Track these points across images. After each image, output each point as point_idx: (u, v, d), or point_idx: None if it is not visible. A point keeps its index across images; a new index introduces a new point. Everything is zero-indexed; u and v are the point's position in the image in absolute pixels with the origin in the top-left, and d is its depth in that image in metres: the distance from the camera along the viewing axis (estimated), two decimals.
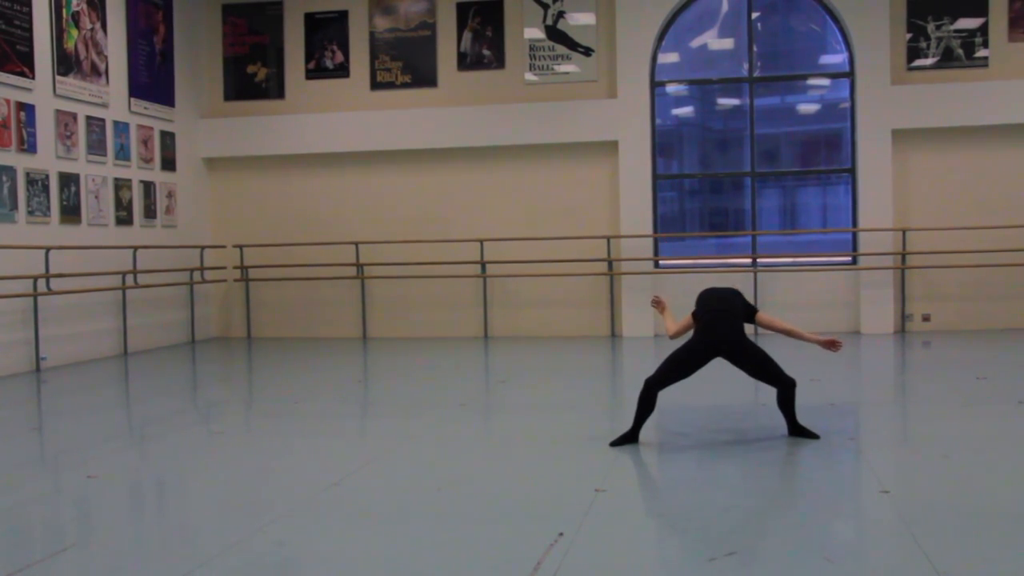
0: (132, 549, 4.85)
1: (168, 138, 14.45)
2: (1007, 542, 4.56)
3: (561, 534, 4.69)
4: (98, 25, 12.89)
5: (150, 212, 13.96)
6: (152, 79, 14.05)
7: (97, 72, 12.85)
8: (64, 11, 12.22)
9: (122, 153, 13.35)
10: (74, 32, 12.42)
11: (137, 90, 13.69)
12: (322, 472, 6.16)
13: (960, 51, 13.72)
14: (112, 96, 13.17)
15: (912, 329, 13.91)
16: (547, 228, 14.44)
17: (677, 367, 6.70)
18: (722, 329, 6.69)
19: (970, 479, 5.76)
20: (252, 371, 12.24)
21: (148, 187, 13.92)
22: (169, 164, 14.47)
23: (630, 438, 6.63)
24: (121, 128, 13.34)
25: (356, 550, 4.68)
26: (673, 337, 7.17)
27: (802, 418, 6.87)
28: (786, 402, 6.73)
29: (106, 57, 13.04)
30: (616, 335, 14.28)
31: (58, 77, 12.12)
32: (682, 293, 14.07)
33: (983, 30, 13.67)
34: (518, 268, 14.54)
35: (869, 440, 7.22)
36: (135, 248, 13.25)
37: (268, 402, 9.74)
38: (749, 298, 13.90)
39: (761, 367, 6.71)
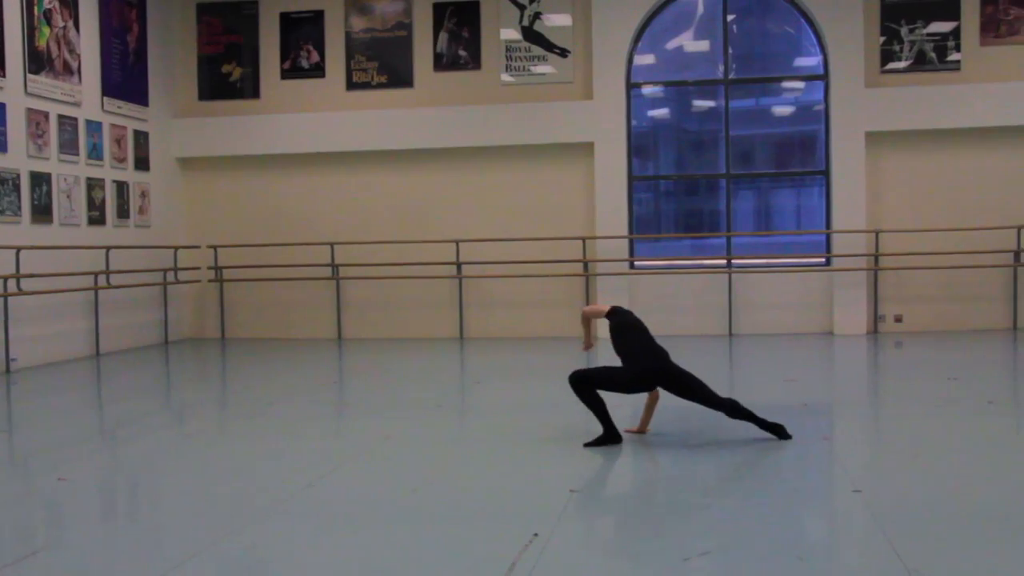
0: (103, 552, 4.81)
1: (141, 137, 14.36)
2: (977, 540, 4.60)
3: (536, 535, 4.69)
4: (70, 23, 12.79)
5: (123, 212, 13.86)
6: (125, 78, 13.96)
7: (69, 70, 12.75)
8: (35, 8, 12.11)
9: (95, 152, 13.26)
10: (46, 30, 12.32)
11: (110, 89, 13.59)
12: (296, 474, 6.13)
13: (933, 55, 13.83)
14: (85, 95, 13.07)
15: (884, 330, 14.00)
16: (523, 229, 14.44)
17: (616, 386, 6.69)
18: (663, 360, 6.66)
19: (941, 478, 5.80)
20: (226, 372, 12.18)
21: (121, 187, 13.83)
22: (143, 164, 14.38)
23: (609, 438, 6.63)
24: (94, 127, 13.24)
25: (330, 552, 4.66)
26: (588, 314, 7.22)
27: (776, 418, 6.88)
28: (743, 418, 6.71)
29: (79, 55, 12.94)
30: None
31: (29, 75, 12.01)
32: (657, 294, 14.21)
33: (955, 34, 13.78)
34: (494, 269, 14.53)
35: (842, 440, 7.26)
36: (107, 248, 13.15)
37: (242, 403, 9.69)
38: (720, 299, 14.04)
39: (698, 393, 6.68)
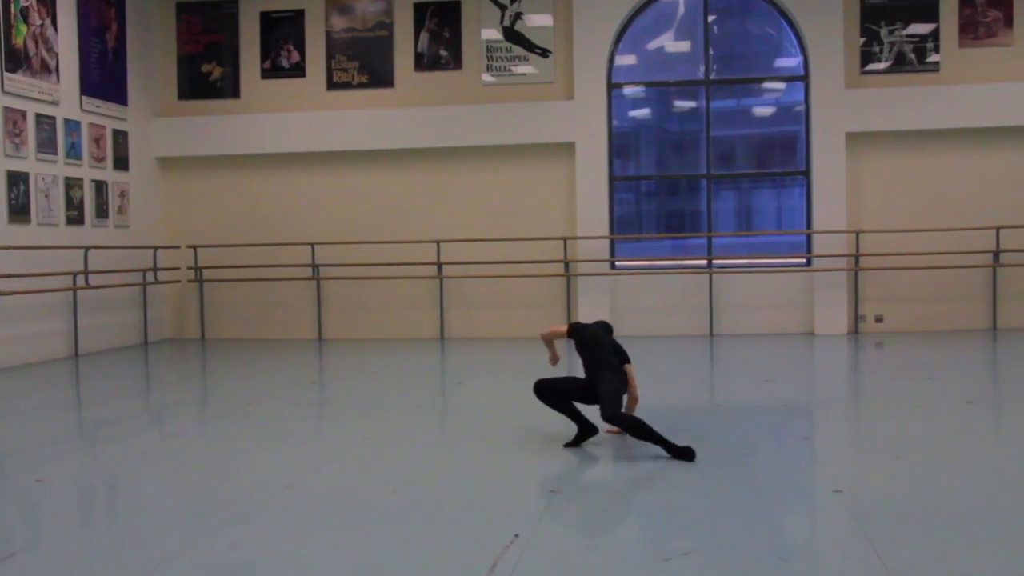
0: (82, 554, 4.78)
1: (121, 137, 14.28)
2: (958, 541, 4.61)
3: (517, 535, 4.68)
4: (48, 21, 12.70)
5: (102, 212, 13.78)
6: (104, 77, 13.88)
7: (47, 69, 12.66)
8: (12, 6, 12.02)
9: (73, 152, 13.17)
10: (23, 28, 12.23)
11: (89, 88, 13.51)
12: (277, 474, 6.10)
13: (912, 56, 13.90)
14: (63, 94, 12.98)
15: (865, 330, 14.06)
16: (504, 229, 14.43)
17: (578, 397, 6.71)
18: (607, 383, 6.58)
19: (921, 478, 5.82)
20: (206, 373, 12.12)
21: (100, 186, 13.74)
22: (122, 163, 14.29)
23: (585, 434, 6.63)
24: (72, 126, 13.16)
25: (311, 553, 4.63)
26: (545, 337, 7.15)
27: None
28: (643, 436, 6.35)
29: (56, 54, 12.86)
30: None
31: (6, 74, 11.93)
32: (638, 294, 14.22)
33: (934, 35, 13.86)
34: (475, 269, 14.52)
35: (823, 440, 7.28)
36: (86, 248, 13.06)
37: (222, 404, 9.65)
38: (701, 300, 14.06)
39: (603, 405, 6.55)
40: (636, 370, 6.92)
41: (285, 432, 7.82)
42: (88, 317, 13.26)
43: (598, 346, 6.77)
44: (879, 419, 8.09)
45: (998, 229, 13.67)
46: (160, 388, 11.16)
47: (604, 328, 7.04)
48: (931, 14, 13.86)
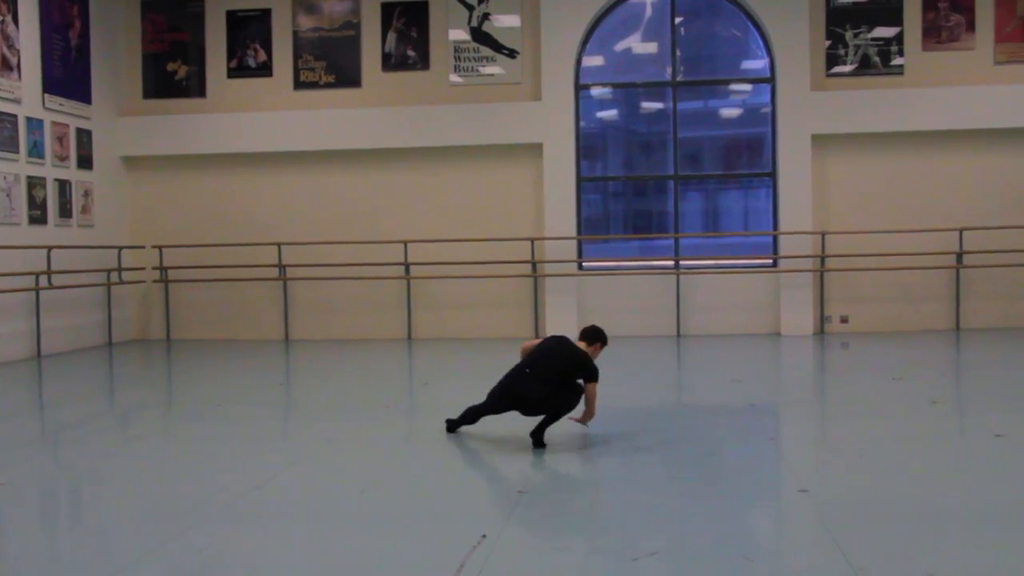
0: (45, 558, 4.73)
1: (85, 135, 14.13)
2: (922, 539, 4.65)
3: (484, 536, 4.68)
4: (9, 17, 12.55)
5: (65, 211, 13.64)
6: (67, 75, 13.73)
7: (8, 66, 12.51)
8: None
9: (36, 150, 13.02)
10: None
11: (51, 86, 13.36)
12: (244, 475, 6.07)
13: (877, 59, 14.02)
14: (25, 91, 12.83)
15: (831, 330, 14.16)
16: (471, 230, 14.42)
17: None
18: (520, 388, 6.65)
19: (886, 477, 5.87)
20: (171, 374, 12.02)
21: (63, 185, 13.60)
22: (86, 162, 14.15)
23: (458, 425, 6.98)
24: (34, 124, 13.01)
25: (278, 554, 4.61)
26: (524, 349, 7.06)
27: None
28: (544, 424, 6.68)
29: (18, 51, 12.70)
30: (540, 337, 14.29)
31: None
32: (605, 295, 14.25)
33: (899, 39, 13.99)
34: (442, 270, 14.50)
35: (788, 440, 7.33)
36: (49, 248, 12.92)
37: (188, 405, 9.57)
38: (668, 300, 14.11)
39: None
40: (602, 384, 6.80)
41: (252, 433, 7.77)
42: (51, 318, 13.11)
43: (537, 360, 6.71)
44: (844, 419, 8.16)
45: (961, 231, 13.82)
46: (125, 389, 11.06)
47: (590, 334, 6.93)
48: (895, 18, 14.00)
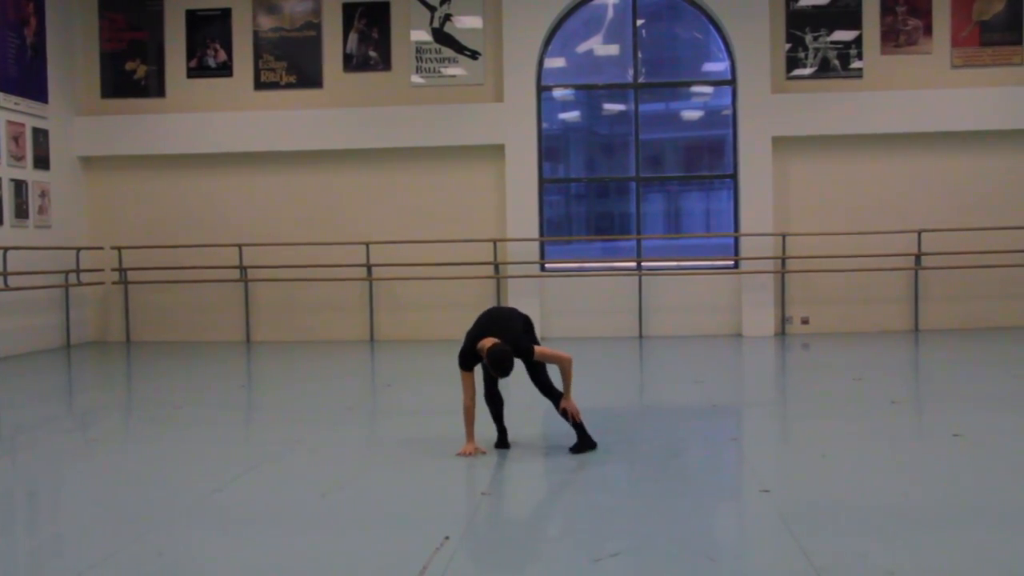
0: (0, 562, 4.65)
1: (41, 135, 13.95)
2: (882, 538, 4.68)
3: (447, 538, 4.66)
4: None
5: (22, 212, 13.45)
6: (22, 73, 13.55)
7: None
8: None
9: None
10: None
11: (6, 84, 13.18)
12: (203, 479, 6.00)
13: (836, 62, 14.14)
14: None
15: (791, 331, 14.26)
16: (433, 231, 14.39)
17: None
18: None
19: (847, 477, 5.91)
20: (131, 376, 11.90)
21: (20, 186, 13.41)
22: (42, 162, 13.97)
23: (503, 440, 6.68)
24: None
25: (239, 558, 4.57)
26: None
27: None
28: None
29: None
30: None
31: None
32: (567, 296, 14.27)
33: (858, 42, 14.12)
34: (404, 271, 14.46)
35: (750, 441, 7.36)
36: (5, 249, 12.74)
37: (147, 408, 9.47)
38: (630, 302, 14.15)
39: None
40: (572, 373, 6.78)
41: (212, 436, 7.70)
42: (7, 319, 12.93)
43: (493, 322, 6.70)
44: (806, 419, 8.22)
45: (919, 232, 13.97)
46: (83, 392, 10.93)
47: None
48: (854, 22, 14.12)
